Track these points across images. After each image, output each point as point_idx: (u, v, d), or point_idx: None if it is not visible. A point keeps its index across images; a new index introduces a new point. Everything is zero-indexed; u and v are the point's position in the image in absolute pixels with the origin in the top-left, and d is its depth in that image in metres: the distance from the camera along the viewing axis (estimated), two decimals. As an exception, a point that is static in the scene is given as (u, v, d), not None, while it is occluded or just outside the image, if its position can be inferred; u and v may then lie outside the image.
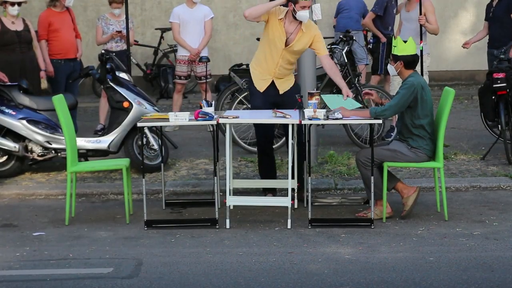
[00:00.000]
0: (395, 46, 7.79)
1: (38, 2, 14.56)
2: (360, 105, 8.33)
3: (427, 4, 10.41)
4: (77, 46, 10.97)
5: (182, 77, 11.50)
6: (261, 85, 8.29)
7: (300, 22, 8.08)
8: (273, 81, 8.28)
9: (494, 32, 11.10)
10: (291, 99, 8.23)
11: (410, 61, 7.76)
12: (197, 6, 11.40)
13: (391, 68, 7.84)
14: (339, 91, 10.69)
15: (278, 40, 8.11)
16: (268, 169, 8.54)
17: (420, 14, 10.21)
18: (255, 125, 8.48)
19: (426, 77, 10.51)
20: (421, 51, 10.21)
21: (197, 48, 11.23)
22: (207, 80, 11.37)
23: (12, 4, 10.06)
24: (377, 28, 11.94)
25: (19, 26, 10.13)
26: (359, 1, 13.75)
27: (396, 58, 7.75)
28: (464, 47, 11.38)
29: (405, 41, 7.79)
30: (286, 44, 8.12)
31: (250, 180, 9.01)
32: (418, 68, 10.14)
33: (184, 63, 11.39)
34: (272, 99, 8.30)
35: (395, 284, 6.11)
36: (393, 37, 8.34)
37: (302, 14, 7.99)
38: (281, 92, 8.30)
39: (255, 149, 10.19)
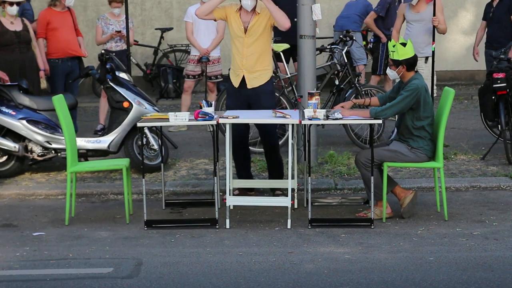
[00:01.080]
0: (393, 51, 7.75)
1: (38, 2, 14.55)
2: None
3: (439, 3, 10.39)
4: (79, 44, 10.96)
5: (190, 76, 11.56)
6: (235, 81, 8.36)
7: (255, 7, 8.19)
8: (244, 77, 8.30)
9: (493, 32, 11.09)
10: (261, 98, 8.26)
11: (412, 63, 7.75)
12: None
13: (392, 73, 7.80)
14: (338, 92, 10.76)
15: (238, 31, 8.25)
16: (243, 169, 8.55)
17: (434, 15, 10.21)
18: (232, 124, 8.46)
19: (434, 77, 10.53)
20: (433, 51, 10.24)
21: (206, 48, 11.27)
22: (216, 80, 11.43)
23: (11, 4, 10.06)
24: (379, 28, 11.94)
25: (18, 26, 10.13)
26: (360, 2, 13.75)
27: (398, 63, 7.72)
28: (476, 59, 11.45)
29: (402, 44, 7.76)
30: (246, 32, 8.23)
31: (250, 180, 9.00)
32: (426, 68, 10.23)
33: (194, 63, 11.44)
34: (245, 98, 8.35)
35: (395, 284, 6.11)
36: (389, 41, 8.30)
37: (245, 3, 8.14)
38: (249, 86, 8.29)
39: (255, 149, 10.21)
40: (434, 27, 10.20)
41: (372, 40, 12.58)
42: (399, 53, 7.70)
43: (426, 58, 10.31)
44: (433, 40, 10.27)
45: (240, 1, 8.18)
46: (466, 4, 15.60)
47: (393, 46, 7.76)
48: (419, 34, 10.24)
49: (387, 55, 11.47)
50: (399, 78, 7.85)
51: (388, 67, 7.89)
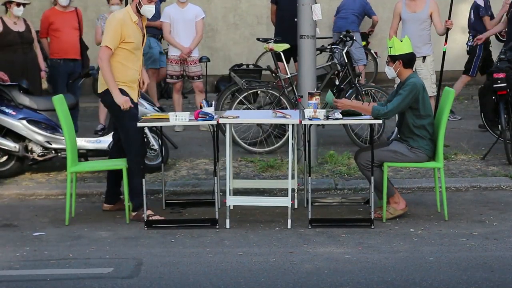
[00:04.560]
0: (391, 47, 7.76)
1: (38, 2, 14.55)
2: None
3: (433, 4, 10.39)
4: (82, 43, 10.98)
5: (174, 77, 11.55)
6: (135, 95, 7.97)
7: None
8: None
9: (509, 32, 11.01)
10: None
11: (409, 59, 7.76)
12: (188, 6, 11.43)
13: (389, 70, 7.82)
14: (339, 92, 10.76)
15: (139, 44, 7.83)
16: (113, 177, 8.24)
17: (449, 18, 10.29)
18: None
19: (433, 77, 10.57)
20: (444, 52, 10.26)
21: (188, 46, 11.26)
22: (199, 80, 11.43)
23: (18, 4, 10.07)
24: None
25: (21, 27, 10.15)
26: (357, 2, 13.76)
27: (395, 58, 7.74)
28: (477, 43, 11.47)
29: (400, 40, 7.79)
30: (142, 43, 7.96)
31: (250, 180, 9.01)
32: (437, 68, 10.27)
33: (176, 63, 11.42)
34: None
35: (395, 284, 6.11)
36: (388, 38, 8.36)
37: (148, 9, 7.74)
38: (139, 96, 8.07)
39: (255, 149, 10.23)
40: (448, 29, 10.29)
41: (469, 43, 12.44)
42: (396, 47, 7.72)
43: (424, 57, 10.32)
44: (446, 41, 10.31)
45: (141, 6, 7.69)
46: (466, 4, 15.58)
47: (391, 42, 7.80)
48: (416, 34, 10.23)
49: (483, 57, 11.54)
50: (395, 76, 7.84)
51: (386, 65, 7.90)
